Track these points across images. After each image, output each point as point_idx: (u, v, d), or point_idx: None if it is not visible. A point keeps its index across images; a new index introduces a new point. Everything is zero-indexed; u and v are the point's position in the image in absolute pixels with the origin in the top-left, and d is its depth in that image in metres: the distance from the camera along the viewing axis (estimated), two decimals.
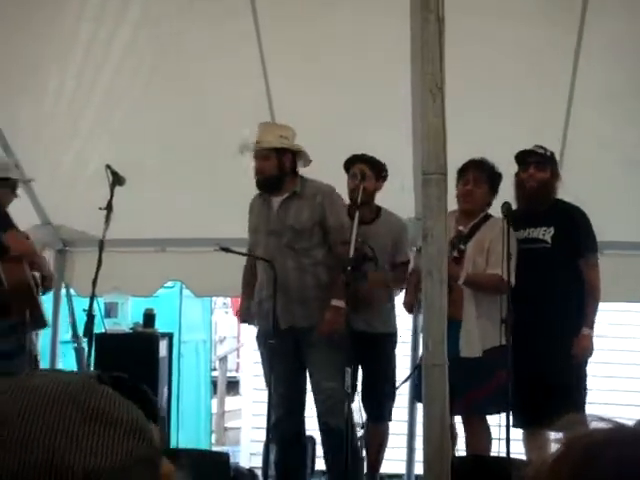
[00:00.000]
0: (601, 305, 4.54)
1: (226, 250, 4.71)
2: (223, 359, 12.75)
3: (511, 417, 4.13)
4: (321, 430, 4.53)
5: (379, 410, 4.92)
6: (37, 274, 4.87)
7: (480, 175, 4.53)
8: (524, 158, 4.52)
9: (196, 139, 5.59)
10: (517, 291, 4.25)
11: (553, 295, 4.38)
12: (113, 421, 0.81)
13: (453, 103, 3.60)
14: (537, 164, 4.47)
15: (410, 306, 4.79)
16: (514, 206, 4.46)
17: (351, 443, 4.20)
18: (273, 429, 4.53)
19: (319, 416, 4.50)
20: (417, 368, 4.45)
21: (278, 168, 4.55)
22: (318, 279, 4.53)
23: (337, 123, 5.16)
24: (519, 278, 4.32)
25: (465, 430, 4.57)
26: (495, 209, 4.51)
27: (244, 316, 4.96)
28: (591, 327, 4.39)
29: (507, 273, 4.11)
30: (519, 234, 4.52)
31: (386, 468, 5.64)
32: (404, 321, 5.44)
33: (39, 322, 4.86)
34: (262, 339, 4.65)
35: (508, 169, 4.66)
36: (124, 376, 0.92)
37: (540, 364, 4.33)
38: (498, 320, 4.24)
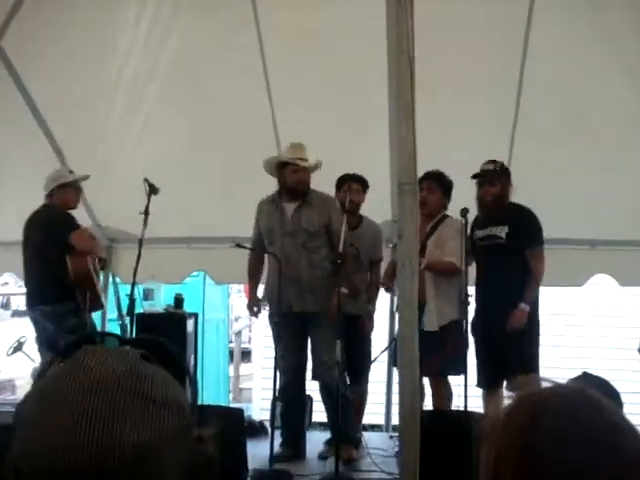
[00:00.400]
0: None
1: (240, 246, 4.70)
2: (238, 334, 12.73)
3: (475, 379, 4.25)
4: (321, 389, 4.54)
5: (359, 375, 4.99)
6: (97, 260, 4.92)
7: (433, 184, 4.58)
8: (477, 176, 4.54)
9: (216, 156, 5.56)
10: (480, 275, 4.42)
11: (505, 278, 4.39)
12: (156, 400, 0.78)
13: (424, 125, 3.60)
14: (489, 182, 4.48)
15: (386, 287, 4.96)
16: (475, 211, 4.54)
17: (343, 396, 4.32)
18: (281, 391, 4.56)
19: (319, 378, 4.51)
20: (393, 340, 4.51)
21: (309, 182, 4.63)
22: (324, 272, 4.53)
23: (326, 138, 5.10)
24: (482, 264, 4.43)
25: (431, 389, 4.59)
26: (456, 212, 4.50)
27: (254, 304, 4.80)
28: (527, 303, 4.39)
29: (464, 263, 4.16)
30: (482, 232, 4.58)
31: (368, 419, 5.64)
32: (383, 303, 5.46)
33: (96, 305, 4.91)
34: (274, 318, 4.61)
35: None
36: (161, 340, 0.89)
37: (497, 335, 4.34)
38: (453, 300, 4.35)
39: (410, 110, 3.34)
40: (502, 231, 4.49)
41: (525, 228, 4.47)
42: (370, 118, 4.99)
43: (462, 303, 4.17)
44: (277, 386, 4.48)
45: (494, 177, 4.51)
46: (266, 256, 4.75)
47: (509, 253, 4.44)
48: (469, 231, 4.54)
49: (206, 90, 5.22)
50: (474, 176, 4.53)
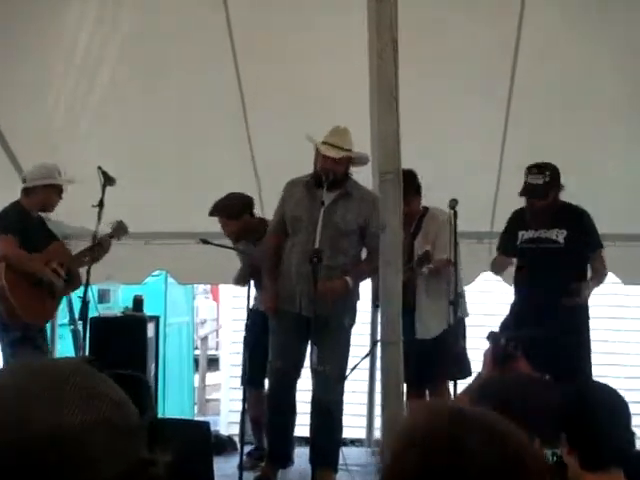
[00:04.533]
0: None
1: (206, 242, 4.68)
2: (204, 339, 12.67)
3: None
4: (313, 401, 4.42)
5: None
6: (59, 266, 4.76)
7: (409, 189, 4.48)
8: (526, 194, 4.47)
9: (179, 144, 5.53)
10: (525, 278, 4.43)
11: (562, 285, 4.33)
12: (91, 394, 0.81)
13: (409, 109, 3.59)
14: (539, 197, 4.43)
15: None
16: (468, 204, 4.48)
17: (336, 418, 4.37)
18: (269, 398, 4.52)
19: (314, 390, 4.41)
20: (375, 345, 4.50)
21: (345, 171, 4.44)
22: (345, 273, 4.39)
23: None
24: (531, 268, 4.44)
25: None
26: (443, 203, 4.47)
27: (274, 302, 4.48)
28: (585, 292, 4.38)
29: (454, 257, 4.21)
30: (530, 234, 4.54)
31: (348, 433, 5.60)
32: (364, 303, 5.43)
33: (13, 321, 4.66)
34: (277, 315, 4.48)
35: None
36: (126, 373, 0.93)
37: (551, 344, 4.12)
38: (446, 302, 4.32)
39: (392, 89, 3.34)
40: (559, 235, 4.47)
41: (585, 231, 4.49)
42: (350, 105, 4.97)
43: (452, 303, 4.16)
44: (246, 398, 4.47)
45: (543, 191, 4.43)
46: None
47: (566, 257, 4.43)
48: (507, 229, 4.60)
49: (167, 75, 5.21)
50: (522, 193, 4.45)
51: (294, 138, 4.63)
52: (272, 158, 5.40)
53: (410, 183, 4.40)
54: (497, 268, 4.83)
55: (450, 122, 5.14)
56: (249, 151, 5.53)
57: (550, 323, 4.17)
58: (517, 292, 4.58)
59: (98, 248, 4.81)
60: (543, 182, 4.40)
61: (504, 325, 4.47)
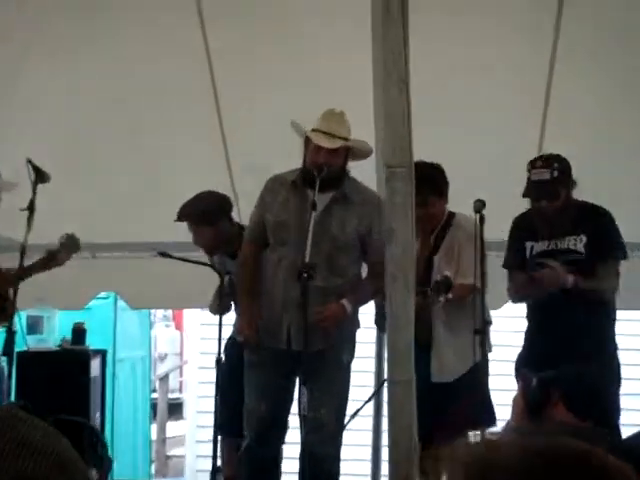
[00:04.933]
0: None
1: (165, 256, 4.71)
2: (164, 379, 12.67)
3: None
4: (302, 455, 4.32)
5: None
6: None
7: (434, 193, 4.61)
8: (531, 194, 4.47)
9: (131, 135, 5.57)
10: (539, 304, 4.41)
11: (587, 309, 4.38)
12: (26, 449, 0.83)
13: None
14: (548, 197, 4.43)
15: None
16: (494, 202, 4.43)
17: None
18: (246, 453, 4.48)
19: (304, 441, 4.36)
20: (382, 385, 4.54)
21: (343, 165, 4.42)
22: (340, 297, 4.37)
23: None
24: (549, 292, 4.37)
25: None
26: (464, 204, 4.46)
27: (255, 331, 4.47)
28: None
29: (480, 277, 4.14)
30: (543, 245, 4.54)
31: None
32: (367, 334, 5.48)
33: None
34: (253, 350, 4.49)
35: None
36: (70, 418, 0.96)
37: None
38: (469, 336, 4.26)
39: (400, 59, 3.39)
40: (578, 242, 4.45)
41: (604, 236, 4.48)
42: (346, 81, 5.05)
43: (478, 332, 4.15)
44: (218, 453, 4.48)
45: (553, 189, 4.44)
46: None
47: (590, 269, 4.42)
48: (512, 240, 4.59)
49: (118, 52, 5.23)
50: (526, 194, 4.46)
51: (278, 125, 4.66)
52: (250, 149, 5.44)
53: (429, 180, 4.43)
54: (520, 291, 4.65)
55: (473, 105, 5.21)
56: (221, 141, 5.57)
57: (579, 356, 4.19)
58: (531, 317, 4.58)
59: (52, 264, 4.86)
60: (551, 178, 4.39)
61: (522, 361, 4.51)
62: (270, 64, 5.18)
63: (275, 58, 5.17)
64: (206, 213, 4.91)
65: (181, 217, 4.92)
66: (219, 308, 4.79)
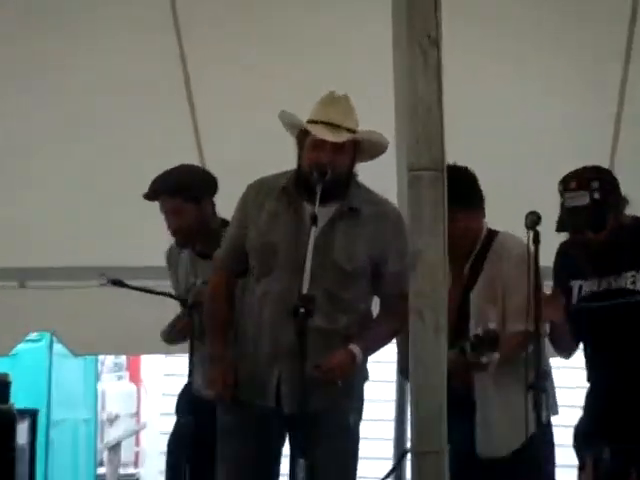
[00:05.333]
0: None
1: (118, 284, 4.72)
2: (114, 448, 12.66)
3: None
4: None
5: None
6: None
7: (467, 204, 4.56)
8: (567, 226, 4.38)
9: (78, 139, 5.71)
10: (608, 361, 4.38)
11: None
12: None
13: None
14: (591, 228, 4.40)
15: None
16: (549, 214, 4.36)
17: None
18: None
19: None
20: (403, 456, 4.58)
21: (350, 166, 4.39)
22: (346, 340, 4.35)
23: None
24: (598, 342, 4.39)
25: None
26: (512, 221, 4.38)
27: (229, 383, 4.43)
28: None
29: (534, 317, 4.09)
30: (591, 286, 4.50)
31: None
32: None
33: None
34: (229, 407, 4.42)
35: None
36: None
37: None
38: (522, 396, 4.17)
39: (432, 32, 3.44)
40: (638, 280, 4.44)
41: None
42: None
43: (533, 389, 4.10)
44: None
45: (595, 216, 4.38)
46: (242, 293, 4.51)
47: None
48: (555, 277, 4.52)
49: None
50: (560, 228, 4.37)
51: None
52: (227, 146, 5.58)
53: (462, 188, 4.40)
54: (560, 345, 4.63)
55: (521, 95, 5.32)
56: (192, 130, 5.68)
57: None
58: (590, 376, 4.54)
59: None
60: (590, 202, 4.32)
61: (581, 430, 4.51)
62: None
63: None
64: (193, 187, 4.95)
65: (156, 192, 4.94)
66: (175, 335, 4.98)
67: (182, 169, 5.01)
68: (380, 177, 4.77)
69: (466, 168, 4.60)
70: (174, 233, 5.00)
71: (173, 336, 5.09)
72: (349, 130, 4.30)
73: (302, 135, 4.34)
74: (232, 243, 4.53)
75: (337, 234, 4.35)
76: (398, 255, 4.28)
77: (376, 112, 4.51)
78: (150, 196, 4.93)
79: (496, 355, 4.11)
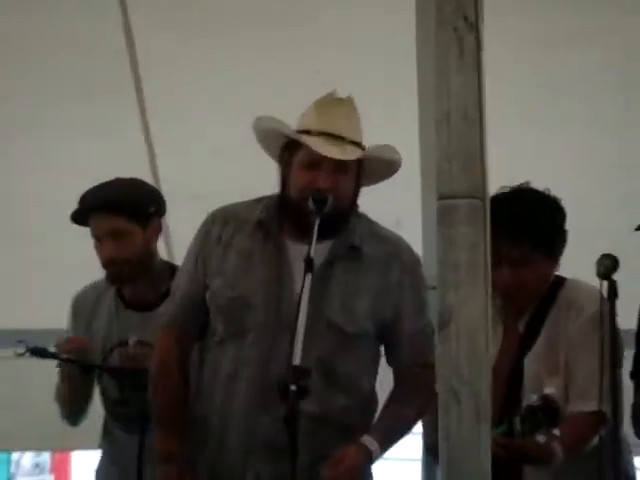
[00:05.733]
0: None
1: (38, 353, 4.78)
2: None
3: None
4: None
5: None
6: None
7: (523, 243, 4.61)
8: None
9: None
10: None
11: None
12: None
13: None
14: None
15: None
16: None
17: None
18: None
19: None
20: None
21: (355, 191, 4.47)
22: (345, 430, 4.42)
23: None
24: None
25: None
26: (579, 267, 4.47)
27: None
28: None
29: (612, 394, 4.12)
30: None
31: None
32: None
33: None
34: None
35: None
36: None
37: None
38: None
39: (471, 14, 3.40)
40: None
41: None
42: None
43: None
44: None
45: None
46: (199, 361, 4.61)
47: None
48: (635, 344, 4.59)
49: None
50: None
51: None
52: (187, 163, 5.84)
53: (546, 224, 4.54)
54: None
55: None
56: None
57: None
58: None
59: None
60: None
61: None
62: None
63: None
64: (141, 205, 5.11)
65: (99, 205, 5.03)
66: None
67: (122, 182, 5.12)
68: (391, 205, 4.74)
69: (551, 197, 4.66)
70: (108, 263, 5.06)
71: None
72: (355, 144, 4.27)
73: (289, 149, 4.33)
74: (187, 294, 4.53)
75: (333, 282, 4.37)
76: (415, 310, 4.40)
77: (393, 120, 4.55)
78: (79, 216, 5.02)
79: (556, 433, 4.06)
